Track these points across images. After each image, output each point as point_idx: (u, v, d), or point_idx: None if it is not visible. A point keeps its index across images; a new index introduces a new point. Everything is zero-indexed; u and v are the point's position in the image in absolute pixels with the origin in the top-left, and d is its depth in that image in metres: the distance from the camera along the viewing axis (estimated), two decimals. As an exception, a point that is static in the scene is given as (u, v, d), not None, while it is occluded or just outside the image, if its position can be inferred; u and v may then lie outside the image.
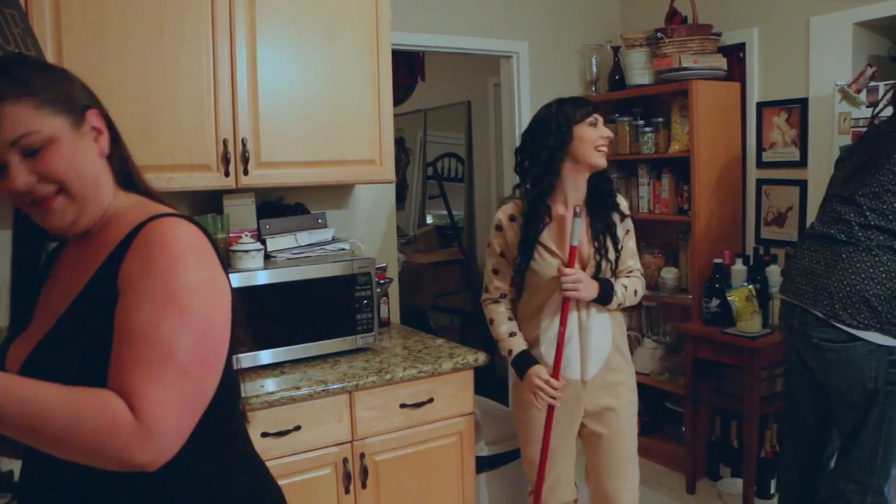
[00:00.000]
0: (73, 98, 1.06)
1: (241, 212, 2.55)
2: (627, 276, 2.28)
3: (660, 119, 3.55)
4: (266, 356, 2.32)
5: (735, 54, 3.45)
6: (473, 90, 5.10)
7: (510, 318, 2.29)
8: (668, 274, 3.57)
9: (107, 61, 2.10)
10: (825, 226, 2.31)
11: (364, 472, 2.26)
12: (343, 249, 2.63)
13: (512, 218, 2.26)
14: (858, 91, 2.84)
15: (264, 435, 2.08)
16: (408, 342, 2.69)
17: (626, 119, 3.67)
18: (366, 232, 3.01)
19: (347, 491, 2.24)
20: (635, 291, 2.28)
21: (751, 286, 3.08)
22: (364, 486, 2.27)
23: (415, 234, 5.70)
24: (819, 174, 3.02)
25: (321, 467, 2.20)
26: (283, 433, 2.12)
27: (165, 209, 1.10)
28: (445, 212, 5.48)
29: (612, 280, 2.24)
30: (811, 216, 2.86)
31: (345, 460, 2.24)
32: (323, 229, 2.64)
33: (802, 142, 3.23)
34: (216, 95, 2.28)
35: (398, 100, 5.00)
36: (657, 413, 3.68)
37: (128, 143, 1.17)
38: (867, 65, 2.88)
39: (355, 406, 2.25)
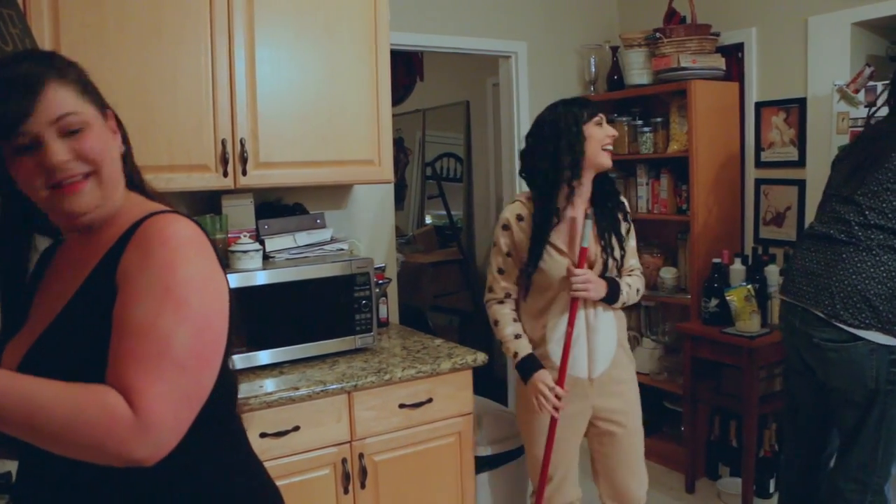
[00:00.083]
0: (100, 95, 1.11)
1: (240, 212, 2.55)
2: (629, 275, 2.30)
3: (658, 119, 3.54)
4: (265, 356, 2.32)
5: (734, 54, 3.46)
6: (472, 90, 5.10)
7: (515, 320, 2.28)
8: (667, 274, 3.57)
9: (105, 61, 2.09)
10: (825, 226, 2.31)
11: (363, 472, 2.26)
12: (342, 250, 2.63)
13: (519, 218, 2.25)
14: (857, 91, 2.84)
15: (263, 435, 2.07)
16: (406, 342, 2.69)
17: (624, 119, 3.67)
18: (364, 232, 3.01)
19: (346, 491, 2.24)
20: (637, 290, 2.30)
21: (749, 286, 3.08)
22: (363, 486, 2.27)
23: (413, 234, 5.69)
24: (818, 174, 3.02)
25: (320, 468, 2.20)
26: (281, 433, 2.12)
27: (164, 207, 1.11)
28: (444, 212, 5.47)
29: (618, 279, 2.24)
30: (810, 216, 2.87)
31: (343, 461, 2.23)
32: (321, 229, 2.64)
33: (801, 141, 3.23)
34: (214, 96, 2.28)
35: (397, 100, 5.01)
36: (656, 413, 3.67)
37: (127, 143, 1.18)
38: (865, 64, 2.88)
39: (354, 406, 2.25)
